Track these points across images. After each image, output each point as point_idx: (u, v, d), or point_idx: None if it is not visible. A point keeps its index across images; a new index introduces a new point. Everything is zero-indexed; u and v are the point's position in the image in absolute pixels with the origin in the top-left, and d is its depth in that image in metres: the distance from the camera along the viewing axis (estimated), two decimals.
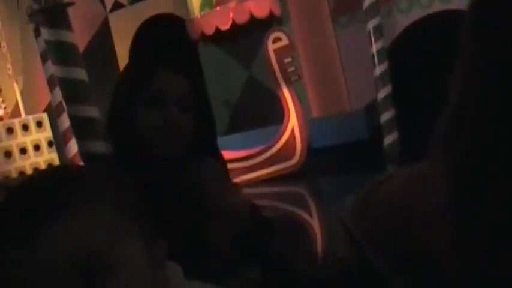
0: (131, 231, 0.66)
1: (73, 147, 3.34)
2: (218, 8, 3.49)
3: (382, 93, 3.23)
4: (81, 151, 2.04)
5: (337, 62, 3.86)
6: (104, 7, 4.61)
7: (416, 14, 3.81)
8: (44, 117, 4.64)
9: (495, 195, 0.60)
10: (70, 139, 3.40)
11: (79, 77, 2.01)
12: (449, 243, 0.65)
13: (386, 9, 3.74)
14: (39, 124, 4.60)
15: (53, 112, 3.91)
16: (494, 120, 0.60)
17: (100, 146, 2.07)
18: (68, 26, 1.98)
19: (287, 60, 3.20)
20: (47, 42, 1.97)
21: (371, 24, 3.22)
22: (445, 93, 0.69)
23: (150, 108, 1.37)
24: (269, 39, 3.22)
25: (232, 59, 3.87)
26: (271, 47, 3.23)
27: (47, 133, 4.62)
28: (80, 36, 4.72)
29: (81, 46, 4.78)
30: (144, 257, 0.67)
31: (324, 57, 3.70)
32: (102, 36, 4.63)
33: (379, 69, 3.23)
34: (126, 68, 1.45)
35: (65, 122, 3.41)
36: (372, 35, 3.22)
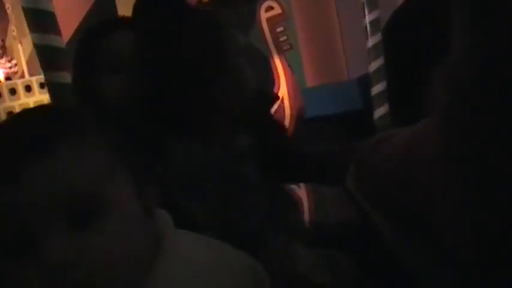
0: (121, 174, 0.65)
1: None
2: None
3: (374, 66, 3.20)
4: None
5: (336, 31, 3.83)
6: None
7: None
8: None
9: (494, 144, 0.60)
10: None
11: (56, 45, 2.04)
12: (444, 194, 0.66)
13: None
14: (42, 85, 4.66)
15: None
16: (496, 72, 0.60)
17: None
18: None
19: (279, 29, 3.21)
20: (24, 9, 1.99)
21: None
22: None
23: (112, 74, 1.34)
24: (262, 7, 3.22)
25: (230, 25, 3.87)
26: (263, 15, 3.23)
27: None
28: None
29: (84, 9, 4.79)
30: (135, 201, 0.67)
31: (322, 26, 3.67)
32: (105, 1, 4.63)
33: (371, 41, 3.20)
34: (78, 45, 1.43)
35: None
36: (365, 5, 3.18)
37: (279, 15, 3.25)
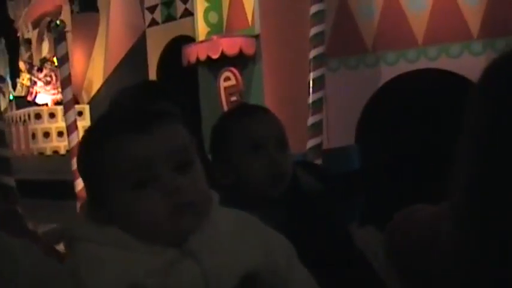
0: (194, 146, 0.92)
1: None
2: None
3: (311, 143, 3.45)
4: None
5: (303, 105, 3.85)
6: (144, 22, 5.25)
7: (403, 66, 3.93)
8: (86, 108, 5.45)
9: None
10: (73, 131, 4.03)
11: None
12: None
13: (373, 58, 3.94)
14: (79, 114, 5.42)
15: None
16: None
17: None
18: None
19: (233, 98, 3.58)
20: None
21: (312, 75, 3.46)
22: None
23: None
24: (221, 77, 3.61)
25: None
26: (222, 84, 3.62)
27: (85, 122, 5.43)
28: (123, 42, 5.45)
29: (124, 50, 5.51)
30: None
31: (290, 97, 3.88)
32: (140, 47, 5.30)
33: (312, 119, 3.46)
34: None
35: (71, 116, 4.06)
36: (311, 85, 3.45)
37: (233, 85, 3.62)
